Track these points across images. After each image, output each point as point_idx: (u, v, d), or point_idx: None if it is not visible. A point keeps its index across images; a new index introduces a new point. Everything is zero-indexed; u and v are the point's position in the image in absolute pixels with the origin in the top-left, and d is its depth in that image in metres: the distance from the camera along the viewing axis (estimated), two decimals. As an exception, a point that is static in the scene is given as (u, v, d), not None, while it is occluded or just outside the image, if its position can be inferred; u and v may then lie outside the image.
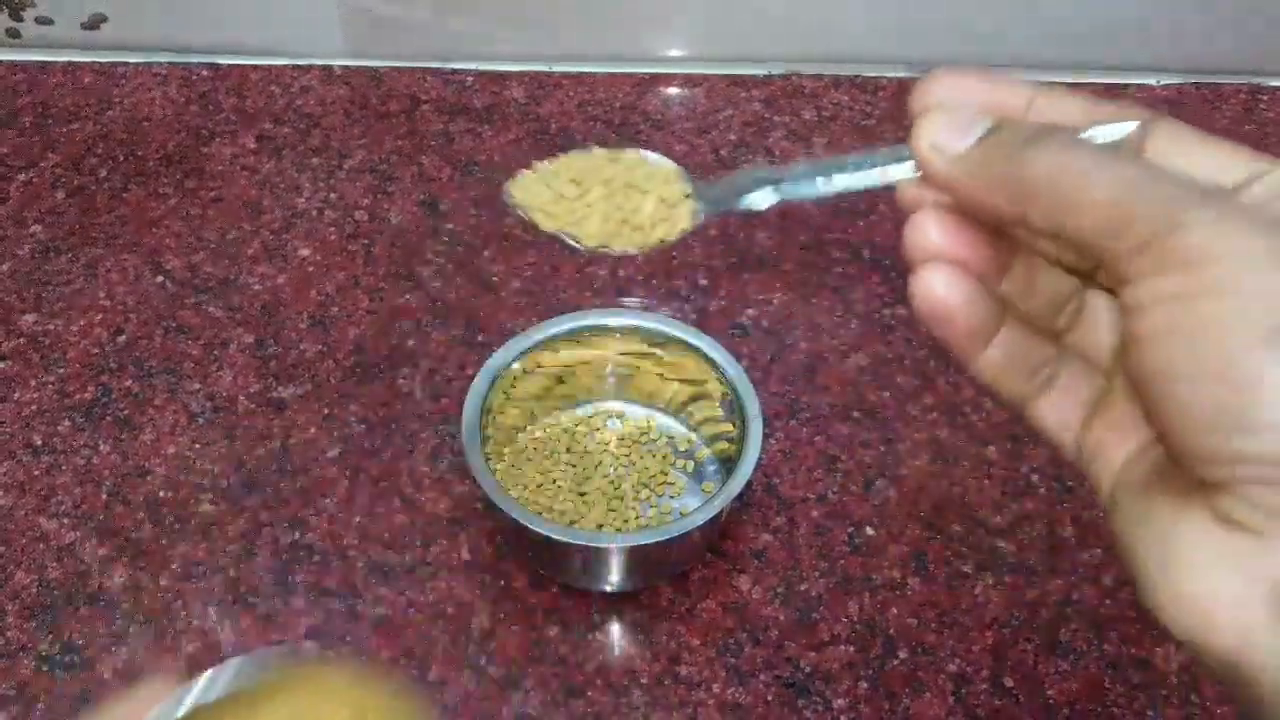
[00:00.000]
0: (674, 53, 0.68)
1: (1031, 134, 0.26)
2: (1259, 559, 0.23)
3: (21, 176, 0.63)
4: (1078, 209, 0.24)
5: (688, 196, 0.34)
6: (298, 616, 0.45)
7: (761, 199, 0.32)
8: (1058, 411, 0.29)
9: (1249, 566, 0.23)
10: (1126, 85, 0.67)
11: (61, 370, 0.54)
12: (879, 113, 0.66)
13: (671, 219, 0.35)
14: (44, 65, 0.69)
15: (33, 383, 0.53)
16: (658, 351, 0.49)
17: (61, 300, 0.57)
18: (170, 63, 0.69)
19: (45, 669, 0.44)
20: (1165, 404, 0.23)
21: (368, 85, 0.68)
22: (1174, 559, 0.25)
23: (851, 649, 0.44)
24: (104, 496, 0.49)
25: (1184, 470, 0.24)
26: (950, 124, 0.27)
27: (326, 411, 0.52)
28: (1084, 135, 0.27)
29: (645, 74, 0.68)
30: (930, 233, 0.28)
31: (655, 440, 0.50)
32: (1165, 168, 0.24)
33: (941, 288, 0.28)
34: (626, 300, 0.56)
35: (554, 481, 0.48)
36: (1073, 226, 0.25)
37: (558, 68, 0.68)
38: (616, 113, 0.66)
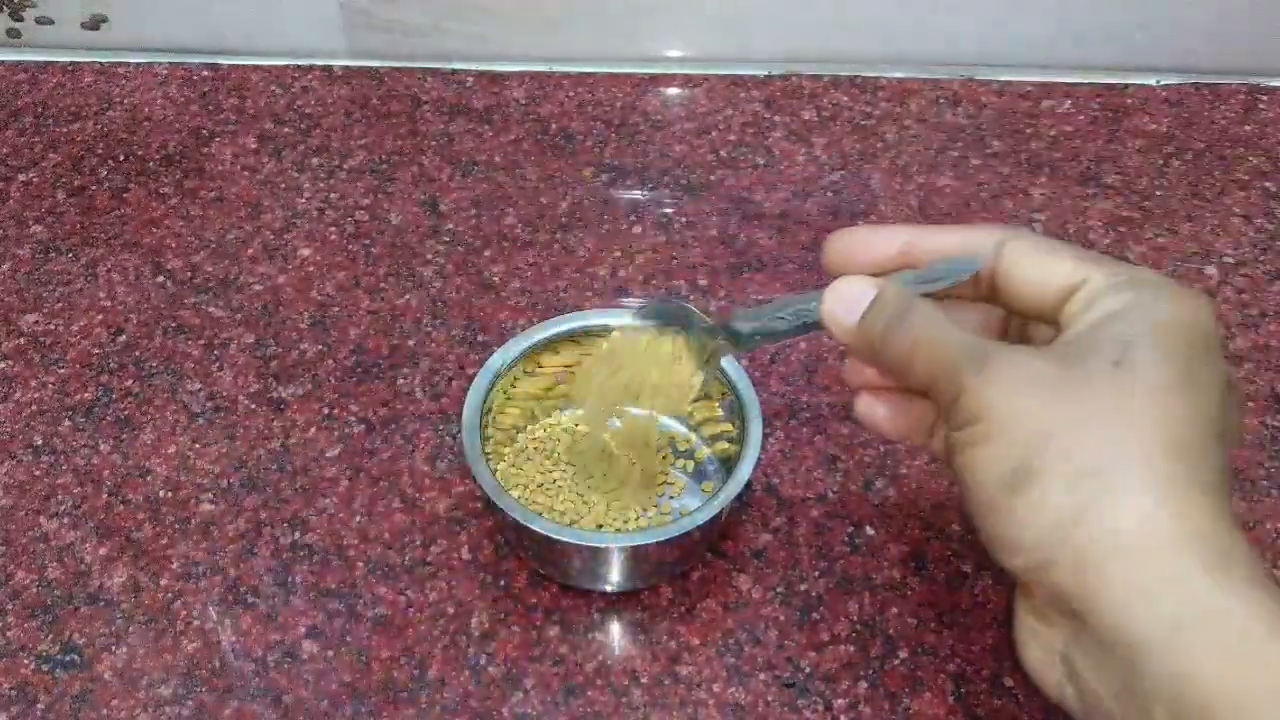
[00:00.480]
0: (674, 53, 0.68)
1: (888, 312, 0.33)
2: (1047, 636, 0.30)
3: (21, 176, 0.63)
4: (913, 376, 0.32)
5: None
6: (298, 616, 0.45)
7: (726, 348, 0.41)
8: None
9: (1044, 641, 0.30)
10: (1127, 85, 0.67)
11: (61, 370, 0.54)
12: (879, 113, 0.66)
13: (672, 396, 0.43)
14: (44, 65, 0.69)
15: (33, 383, 0.53)
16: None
17: (61, 300, 0.57)
18: (171, 63, 0.69)
19: (45, 669, 0.44)
20: (974, 524, 0.31)
21: (368, 85, 0.68)
22: (1017, 629, 0.31)
23: (851, 649, 0.44)
24: (104, 496, 0.49)
25: None
26: (842, 300, 0.34)
27: (326, 411, 0.52)
28: (942, 274, 0.34)
29: (645, 74, 0.68)
30: (858, 366, 0.36)
31: (655, 440, 0.50)
32: (958, 332, 0.32)
33: (870, 411, 0.36)
34: (626, 300, 0.56)
35: (554, 481, 0.48)
36: (915, 386, 0.33)
37: (558, 68, 0.68)
38: (616, 113, 0.66)
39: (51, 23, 0.68)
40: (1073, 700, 0.30)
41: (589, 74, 0.68)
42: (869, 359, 0.34)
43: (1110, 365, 0.29)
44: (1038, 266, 0.32)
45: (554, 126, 0.65)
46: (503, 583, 0.46)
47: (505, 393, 0.48)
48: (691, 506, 0.46)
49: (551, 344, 0.48)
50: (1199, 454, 0.28)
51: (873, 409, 0.36)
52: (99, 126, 0.66)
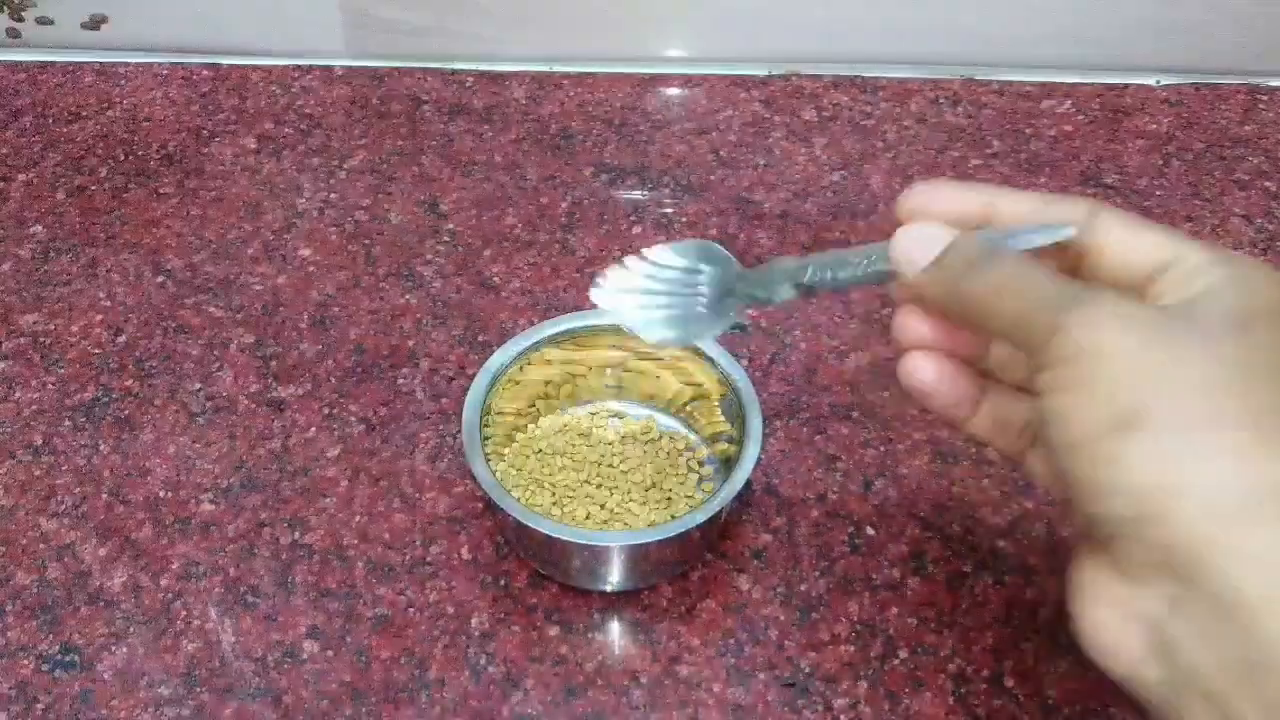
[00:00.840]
0: (674, 53, 0.68)
1: (972, 255, 0.31)
2: (1133, 602, 0.28)
3: (21, 176, 0.63)
4: (997, 318, 0.30)
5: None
6: (298, 616, 0.45)
7: (784, 293, 0.36)
8: (1044, 464, 0.34)
9: (1127, 607, 0.28)
10: (1126, 85, 0.67)
11: (61, 370, 0.54)
12: (879, 113, 0.66)
13: None
14: (44, 65, 0.69)
15: (33, 383, 0.53)
16: (658, 351, 0.49)
17: (61, 300, 0.57)
18: (171, 63, 0.69)
19: (45, 669, 0.44)
20: (1060, 473, 0.29)
21: (368, 85, 0.68)
22: (1082, 595, 0.30)
23: (851, 649, 0.44)
24: (104, 496, 0.49)
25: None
26: (917, 240, 0.32)
27: (326, 411, 0.52)
28: (1033, 234, 0.32)
29: (645, 74, 0.68)
30: (913, 322, 0.34)
31: (655, 440, 0.50)
32: (1057, 279, 0.30)
33: (921, 371, 0.34)
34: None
35: (554, 481, 0.48)
36: (995, 330, 0.31)
37: (558, 68, 0.68)
38: (616, 113, 0.66)
39: (51, 23, 0.68)
40: (1156, 675, 0.27)
41: (589, 74, 0.68)
42: (941, 301, 0.32)
43: (1223, 327, 0.27)
44: (1132, 238, 0.31)
45: (554, 126, 0.65)
46: (503, 583, 0.46)
47: (505, 393, 0.48)
48: (691, 506, 0.46)
49: (551, 344, 0.48)
50: None
51: (923, 370, 0.34)
52: (99, 126, 0.66)
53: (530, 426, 0.50)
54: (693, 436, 0.50)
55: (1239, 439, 0.26)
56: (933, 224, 0.32)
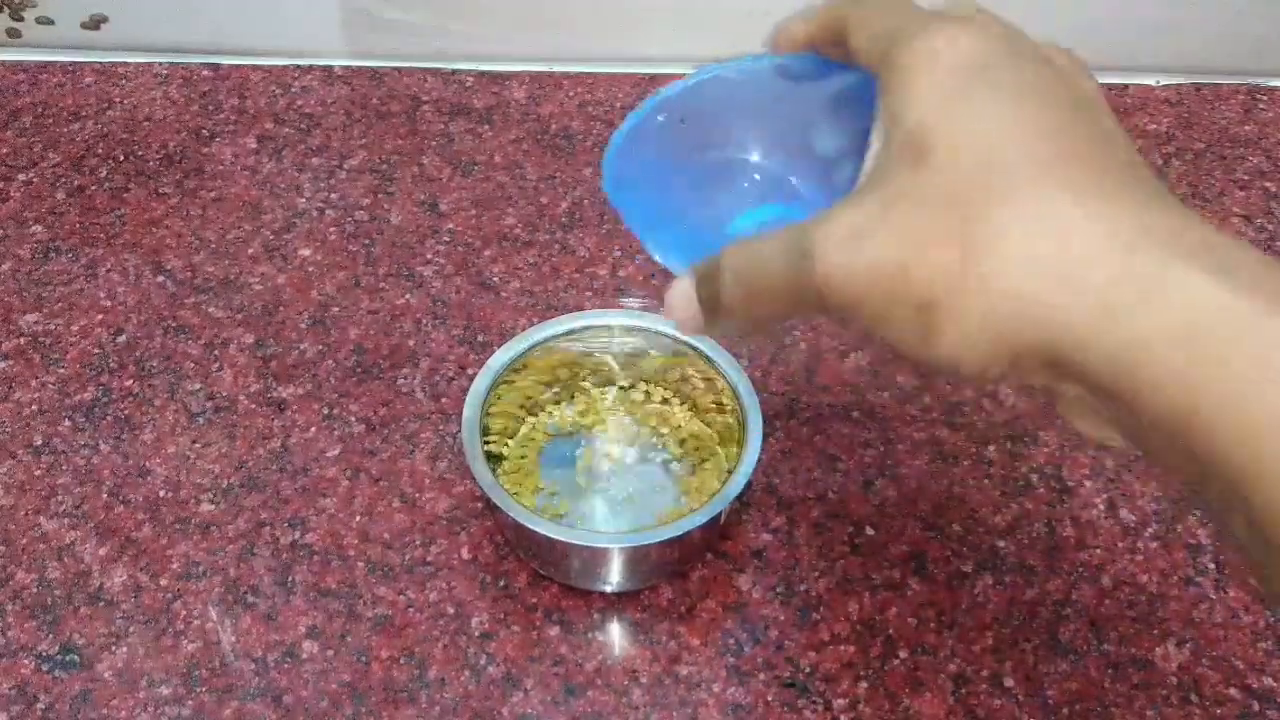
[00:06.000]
0: (674, 53, 0.68)
1: (714, 282, 0.30)
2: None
3: (21, 176, 0.63)
4: (777, 316, 0.30)
5: None
6: (298, 616, 0.45)
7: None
8: None
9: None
10: (1126, 85, 0.67)
11: (61, 370, 0.54)
12: (879, 113, 0.66)
13: None
14: (44, 65, 0.69)
15: (33, 383, 0.53)
16: (657, 351, 0.49)
17: (61, 300, 0.57)
18: (171, 63, 0.69)
19: (45, 669, 0.44)
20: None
21: (368, 85, 0.68)
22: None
23: (851, 649, 0.44)
24: (104, 496, 0.49)
25: None
26: (677, 307, 0.32)
27: (326, 411, 0.52)
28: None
29: (645, 74, 0.68)
30: None
31: (656, 440, 0.50)
32: (770, 242, 0.29)
33: None
34: (626, 300, 0.56)
35: (554, 481, 0.48)
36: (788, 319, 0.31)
37: (558, 68, 0.68)
38: (617, 113, 0.66)
39: (51, 23, 0.68)
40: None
41: (589, 74, 0.68)
42: (737, 330, 0.32)
43: (912, 168, 0.26)
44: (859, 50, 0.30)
45: (554, 126, 0.65)
46: (503, 583, 0.46)
47: (505, 392, 0.48)
48: (691, 507, 0.46)
49: (551, 344, 0.48)
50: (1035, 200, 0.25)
51: None
52: (99, 126, 0.66)
53: (530, 426, 0.50)
54: (693, 437, 0.50)
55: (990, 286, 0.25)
56: (674, 287, 0.32)
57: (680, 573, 0.46)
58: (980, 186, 0.25)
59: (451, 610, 0.45)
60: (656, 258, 0.35)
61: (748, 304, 0.30)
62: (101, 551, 0.47)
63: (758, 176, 0.36)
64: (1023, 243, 0.25)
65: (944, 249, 0.25)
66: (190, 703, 0.43)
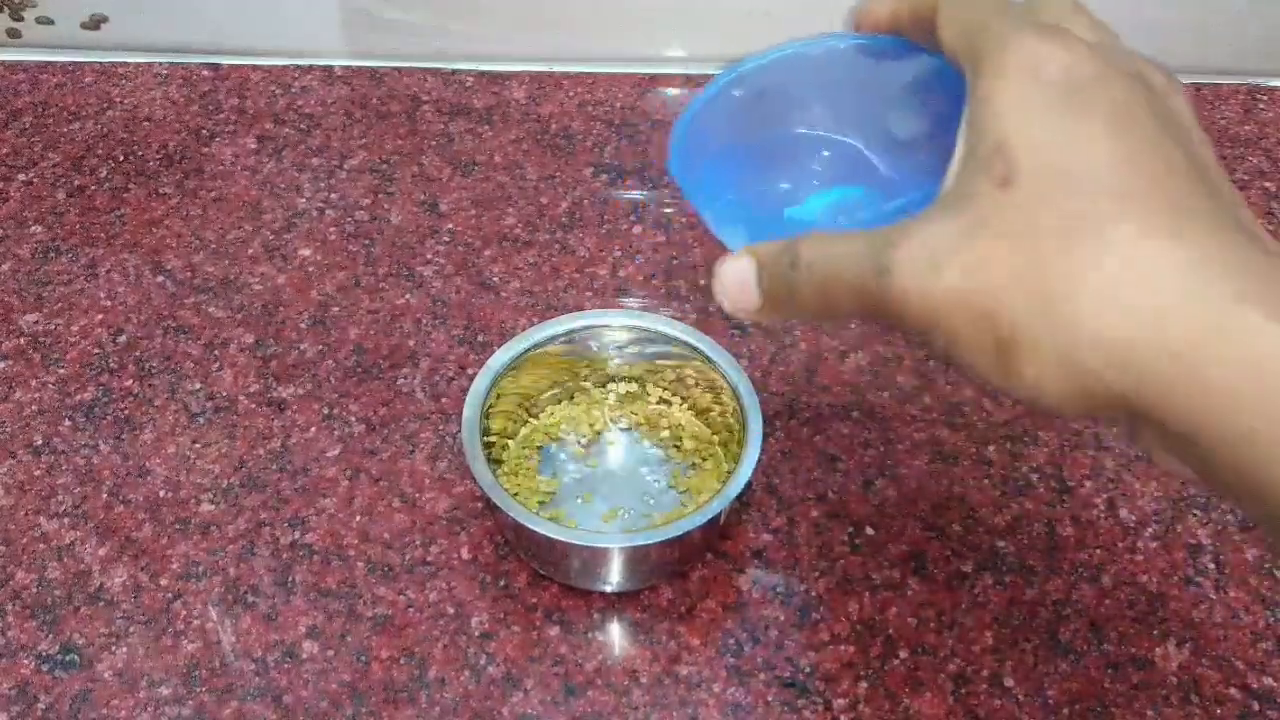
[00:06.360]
0: (674, 53, 0.68)
1: (785, 265, 0.30)
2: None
3: (21, 176, 0.63)
4: (843, 315, 0.29)
5: None
6: (298, 616, 0.45)
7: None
8: None
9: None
10: (1126, 85, 0.67)
11: (61, 370, 0.54)
12: (879, 113, 0.66)
13: None
14: (44, 65, 0.69)
15: (33, 383, 0.53)
16: (657, 351, 0.49)
17: (61, 300, 0.57)
18: (171, 63, 0.69)
19: (45, 669, 0.44)
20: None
21: (368, 85, 0.68)
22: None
23: (851, 649, 0.44)
24: (104, 496, 0.49)
25: None
26: (731, 284, 0.31)
27: (326, 411, 0.52)
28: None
29: (645, 74, 0.68)
30: None
31: (655, 440, 0.50)
32: (851, 243, 0.29)
33: None
34: (626, 300, 0.56)
35: (554, 481, 0.48)
36: (843, 313, 0.29)
37: (558, 68, 0.68)
38: (617, 113, 0.66)
39: (51, 23, 0.68)
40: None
41: (589, 74, 0.68)
42: (795, 319, 0.32)
43: (996, 189, 0.26)
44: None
45: (554, 126, 0.65)
46: (503, 583, 0.46)
47: (505, 392, 0.48)
48: (691, 507, 0.46)
49: (551, 344, 0.48)
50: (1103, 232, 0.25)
51: None
52: (99, 126, 0.66)
53: (531, 425, 0.50)
54: (693, 436, 0.50)
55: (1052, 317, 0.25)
56: (730, 260, 0.31)
57: (680, 573, 0.46)
58: (1063, 219, 0.25)
59: (451, 610, 0.45)
60: (714, 230, 0.34)
61: (820, 301, 0.29)
62: (101, 551, 0.47)
63: (827, 153, 0.35)
64: (1103, 286, 0.24)
65: (1024, 286, 0.25)
66: (190, 703, 0.43)
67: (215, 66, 0.69)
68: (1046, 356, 0.25)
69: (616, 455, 0.49)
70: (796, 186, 0.36)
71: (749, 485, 0.44)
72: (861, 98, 0.35)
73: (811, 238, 0.29)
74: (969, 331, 0.26)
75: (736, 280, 0.31)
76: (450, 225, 0.60)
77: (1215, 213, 0.25)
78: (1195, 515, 0.48)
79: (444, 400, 0.52)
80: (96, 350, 0.54)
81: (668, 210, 0.60)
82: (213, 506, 0.48)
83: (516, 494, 0.47)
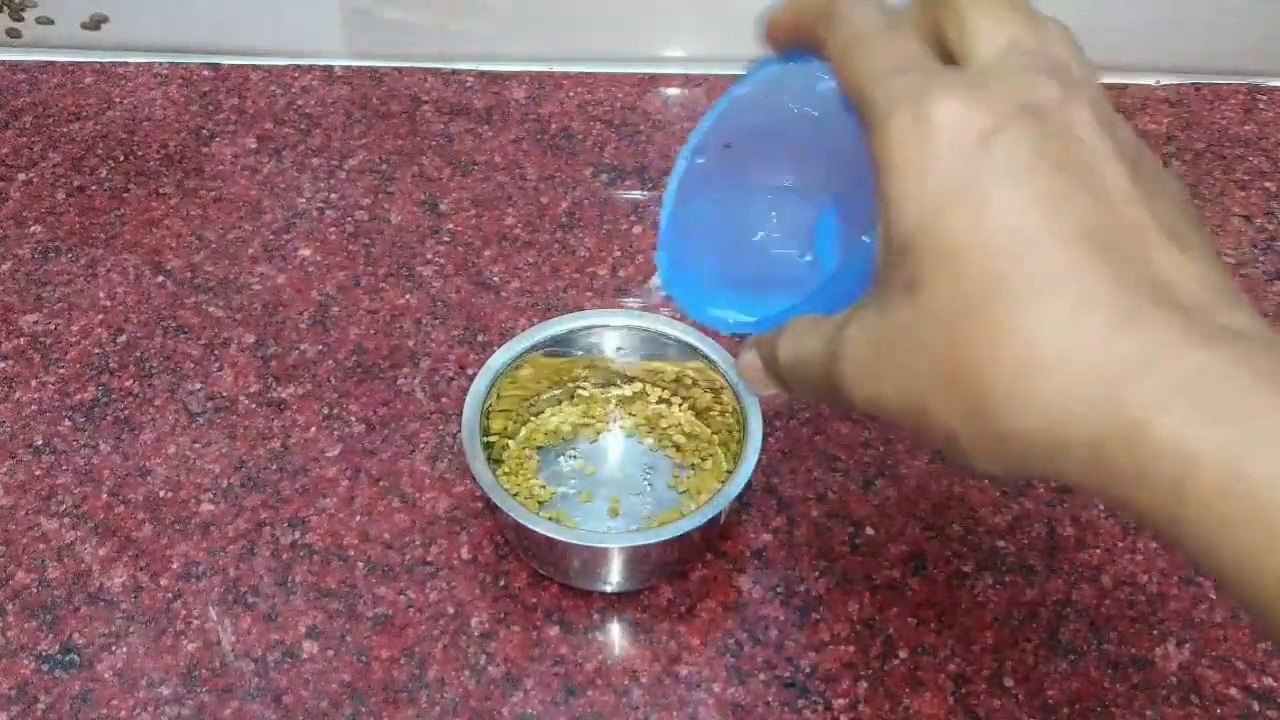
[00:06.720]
0: (674, 53, 0.68)
1: (764, 359, 0.32)
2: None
3: (21, 176, 0.63)
4: (806, 386, 0.31)
5: None
6: (298, 616, 0.45)
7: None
8: None
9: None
10: (1126, 85, 0.67)
11: (61, 370, 0.54)
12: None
13: None
14: (44, 65, 0.69)
15: (33, 383, 0.53)
16: (657, 351, 0.49)
17: (61, 300, 0.57)
18: (171, 63, 0.69)
19: (45, 669, 0.44)
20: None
21: (368, 85, 0.68)
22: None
23: (851, 649, 0.44)
24: (104, 496, 0.49)
25: None
26: (749, 375, 0.34)
27: (326, 411, 0.52)
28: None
29: (645, 74, 0.68)
30: None
31: (655, 440, 0.50)
32: (807, 340, 0.30)
33: None
34: (626, 300, 0.56)
35: (554, 481, 0.48)
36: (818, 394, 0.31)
37: (558, 68, 0.68)
38: (617, 112, 0.66)
39: (51, 23, 0.68)
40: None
41: (589, 74, 0.68)
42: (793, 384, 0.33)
43: (906, 294, 0.26)
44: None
45: (554, 126, 0.65)
46: (503, 583, 0.46)
47: (505, 392, 0.48)
48: (691, 507, 0.46)
49: (551, 344, 0.48)
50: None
51: None
52: (99, 126, 0.66)
53: (531, 425, 0.50)
54: (694, 437, 0.50)
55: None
56: (748, 349, 0.33)
57: (680, 573, 0.46)
58: (973, 322, 0.24)
59: (451, 610, 0.45)
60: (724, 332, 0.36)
61: (810, 391, 0.31)
62: (101, 551, 0.47)
63: (800, 194, 0.36)
64: (1014, 386, 0.24)
65: (949, 392, 0.25)
66: (190, 703, 0.43)
67: (215, 66, 0.69)
68: (985, 450, 0.25)
69: (616, 455, 0.49)
70: (787, 232, 0.36)
71: (749, 485, 0.44)
72: (811, 126, 0.34)
73: (788, 331, 0.31)
74: (914, 427, 0.27)
75: (751, 372, 0.33)
76: (450, 225, 0.60)
77: (1120, 285, 0.24)
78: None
79: (444, 400, 0.52)
80: (96, 350, 0.54)
81: (668, 210, 0.60)
82: (213, 506, 0.48)
83: (516, 494, 0.47)
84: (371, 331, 0.55)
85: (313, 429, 0.51)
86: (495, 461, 0.48)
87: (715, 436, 0.49)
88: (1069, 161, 0.24)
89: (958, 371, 0.25)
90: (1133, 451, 0.23)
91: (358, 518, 0.48)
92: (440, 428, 0.51)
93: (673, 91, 0.68)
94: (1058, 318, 0.23)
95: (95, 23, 0.68)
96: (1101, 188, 0.24)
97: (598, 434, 0.50)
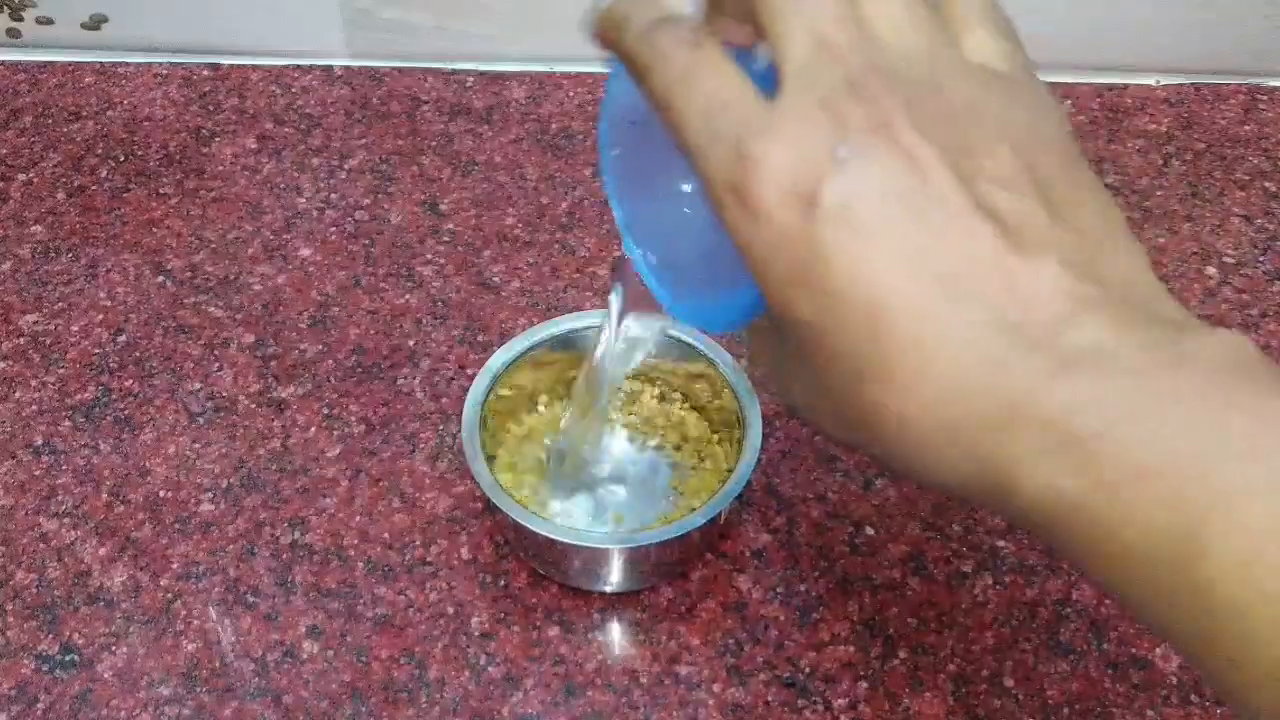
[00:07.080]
0: (674, 53, 0.68)
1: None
2: None
3: (21, 176, 0.63)
4: None
5: None
6: (298, 616, 0.45)
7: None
8: None
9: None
10: (1126, 85, 0.67)
11: (61, 370, 0.54)
12: (879, 113, 0.66)
13: None
14: (44, 65, 0.69)
15: (33, 383, 0.53)
16: (657, 351, 0.49)
17: (61, 300, 0.57)
18: (171, 63, 0.69)
19: (45, 669, 0.44)
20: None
21: (368, 86, 0.68)
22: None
23: (851, 649, 0.44)
24: (104, 496, 0.49)
25: None
26: None
27: (326, 411, 0.52)
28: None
29: (645, 74, 0.68)
30: None
31: (655, 439, 0.50)
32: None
33: None
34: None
35: (554, 481, 0.48)
36: None
37: (558, 68, 0.68)
38: (616, 113, 0.66)
39: (51, 23, 0.68)
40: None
41: (589, 74, 0.68)
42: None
43: (793, 344, 0.26)
44: None
45: (554, 126, 0.65)
46: (503, 583, 0.46)
47: (505, 392, 0.48)
48: (691, 507, 0.46)
49: (551, 344, 0.48)
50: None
51: None
52: (99, 126, 0.66)
53: (530, 427, 0.50)
54: (694, 436, 0.50)
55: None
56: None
57: (680, 573, 0.46)
58: (865, 392, 0.25)
59: (451, 610, 0.45)
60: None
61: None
62: (101, 551, 0.47)
63: None
64: (913, 449, 0.25)
65: (854, 435, 0.26)
66: (190, 703, 0.43)
67: (215, 66, 0.69)
68: (901, 466, 0.26)
69: (616, 455, 0.49)
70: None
71: (749, 485, 0.44)
72: None
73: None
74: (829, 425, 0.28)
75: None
76: (450, 225, 0.60)
77: (970, 329, 0.23)
78: (1195, 515, 0.48)
79: (444, 400, 0.52)
80: (96, 350, 0.54)
81: (668, 210, 0.60)
82: (213, 506, 0.48)
83: (516, 494, 0.47)
84: (371, 331, 0.55)
85: (313, 429, 0.51)
86: (495, 462, 0.47)
87: (715, 436, 0.49)
88: (894, 191, 0.23)
89: (856, 420, 0.26)
90: (1006, 507, 0.25)
91: (358, 518, 0.48)
92: (440, 428, 0.51)
93: (673, 91, 0.67)
94: (923, 386, 0.24)
95: (95, 23, 0.68)
96: (929, 211, 0.23)
97: (597, 433, 0.50)
